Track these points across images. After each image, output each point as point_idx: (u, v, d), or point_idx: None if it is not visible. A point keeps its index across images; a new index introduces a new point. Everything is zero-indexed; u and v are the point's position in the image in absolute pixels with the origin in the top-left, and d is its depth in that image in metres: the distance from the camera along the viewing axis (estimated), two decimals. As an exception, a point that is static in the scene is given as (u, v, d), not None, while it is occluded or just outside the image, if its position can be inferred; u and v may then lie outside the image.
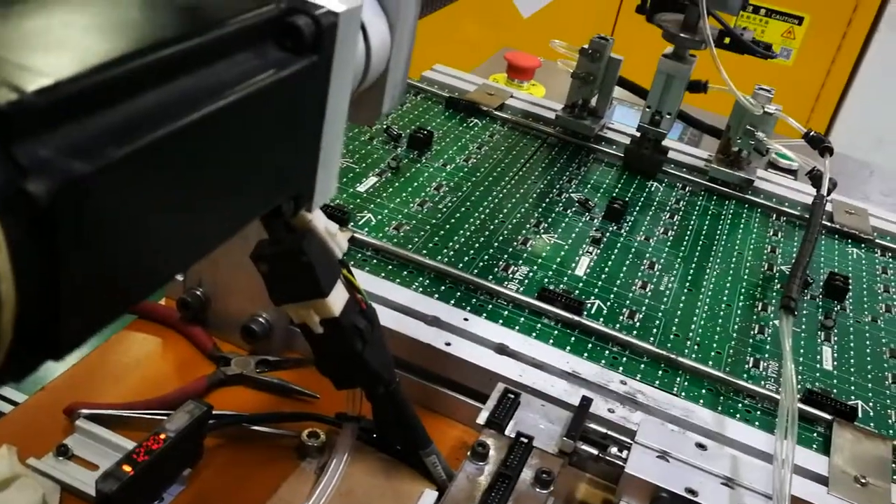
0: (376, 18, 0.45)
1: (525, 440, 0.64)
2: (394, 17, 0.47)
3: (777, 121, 1.06)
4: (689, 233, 1.02)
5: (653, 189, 1.09)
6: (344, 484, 0.65)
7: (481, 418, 0.65)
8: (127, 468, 0.58)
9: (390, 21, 0.46)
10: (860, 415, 0.77)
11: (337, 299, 0.60)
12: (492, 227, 0.94)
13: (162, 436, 0.61)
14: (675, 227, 1.02)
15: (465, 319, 0.77)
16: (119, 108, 0.27)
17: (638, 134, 1.10)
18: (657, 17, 1.04)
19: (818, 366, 0.83)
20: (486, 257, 0.88)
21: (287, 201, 0.39)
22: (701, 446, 0.67)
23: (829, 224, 1.09)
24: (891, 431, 0.76)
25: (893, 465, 0.71)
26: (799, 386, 0.79)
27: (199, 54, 0.31)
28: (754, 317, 0.88)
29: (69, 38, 0.28)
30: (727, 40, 1.02)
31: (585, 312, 0.82)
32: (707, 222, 1.05)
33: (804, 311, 0.91)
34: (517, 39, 1.80)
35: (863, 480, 0.68)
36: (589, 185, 1.07)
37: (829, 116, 2.79)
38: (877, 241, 1.07)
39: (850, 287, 0.96)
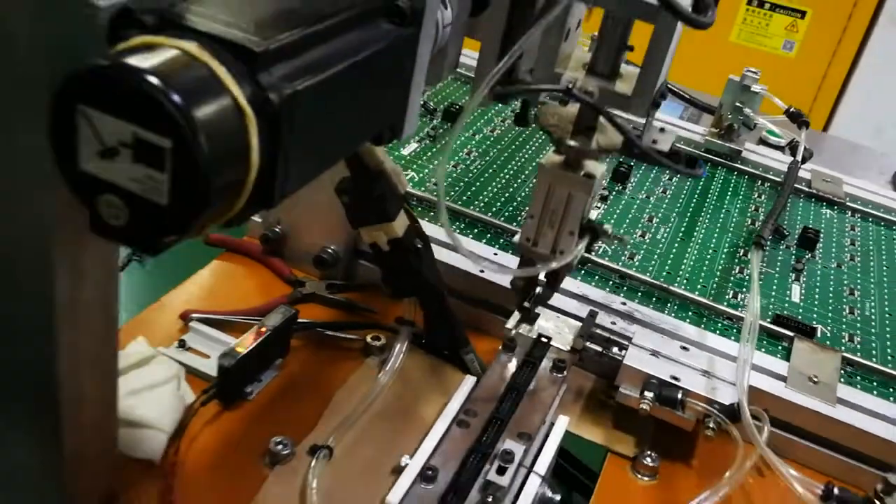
0: (445, 11, 0.62)
1: (545, 339, 0.81)
2: (453, 12, 0.63)
3: (763, 99, 1.23)
4: (684, 193, 1.18)
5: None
6: (400, 374, 0.82)
7: (511, 322, 0.83)
8: (240, 349, 0.75)
9: (452, 16, 0.63)
10: (819, 335, 0.94)
11: (400, 224, 0.77)
12: (515, 185, 1.11)
13: (263, 329, 0.78)
14: (673, 188, 1.19)
15: (495, 254, 0.94)
16: (308, 55, 0.44)
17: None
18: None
19: (787, 299, 1.00)
20: (511, 208, 1.05)
21: (387, 128, 0.56)
22: (684, 348, 0.84)
23: (806, 189, 1.25)
24: (843, 348, 0.92)
25: (841, 372, 0.88)
26: (770, 313, 0.96)
27: (346, 24, 0.48)
28: (736, 260, 1.05)
29: (270, 14, 0.45)
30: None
31: (593, 252, 0.99)
32: (700, 185, 1.21)
33: (779, 258, 1.08)
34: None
35: (815, 380, 0.85)
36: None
37: (831, 106, 2.94)
38: (847, 203, 1.24)
39: (821, 240, 1.12)
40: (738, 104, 1.23)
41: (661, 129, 0.73)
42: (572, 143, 0.66)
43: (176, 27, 0.41)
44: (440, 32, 0.61)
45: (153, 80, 0.38)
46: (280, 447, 0.71)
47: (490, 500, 0.64)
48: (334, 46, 0.47)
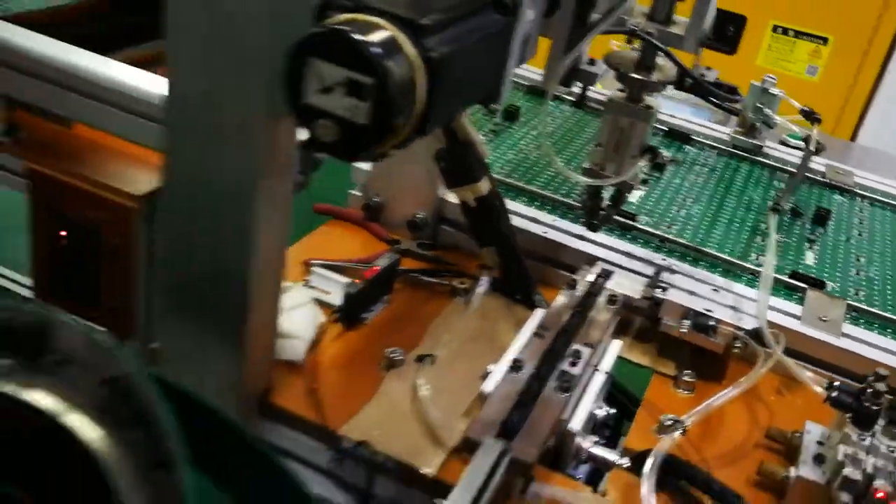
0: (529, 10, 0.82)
1: (602, 278, 1.00)
2: (535, 11, 0.83)
3: (780, 101, 1.41)
4: (713, 180, 1.37)
5: (690, 152, 1.45)
6: (481, 311, 1.01)
7: (590, 276, 1.01)
8: (359, 282, 0.95)
9: (534, 14, 0.83)
10: (828, 288, 1.11)
11: (485, 184, 0.97)
12: (571, 168, 1.30)
13: (375, 268, 0.98)
14: (703, 177, 1.37)
15: (554, 220, 1.14)
16: (451, 30, 0.64)
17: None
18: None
19: (802, 262, 1.18)
20: (566, 188, 1.24)
21: (489, 93, 0.76)
22: (715, 290, 1.03)
23: (821, 179, 1.43)
24: (849, 298, 1.10)
25: (846, 316, 1.05)
26: (787, 271, 1.13)
27: (471, 11, 0.68)
28: (758, 234, 1.23)
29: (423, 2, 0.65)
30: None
31: (637, 223, 1.18)
32: (728, 174, 1.40)
33: (795, 231, 1.26)
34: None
35: (824, 319, 1.03)
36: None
37: (853, 128, 3.10)
38: (856, 190, 1.42)
39: (832, 219, 1.30)
40: (758, 105, 1.42)
41: (708, 68, 0.92)
42: (636, 75, 0.85)
43: (367, 9, 0.62)
44: (527, 25, 0.81)
45: (362, 39, 0.58)
46: (394, 355, 0.90)
47: (565, 386, 0.82)
48: (465, 27, 0.67)
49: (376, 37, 0.59)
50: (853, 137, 3.07)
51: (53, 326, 0.63)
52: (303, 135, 0.62)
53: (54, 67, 1.21)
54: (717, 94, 0.90)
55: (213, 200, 0.73)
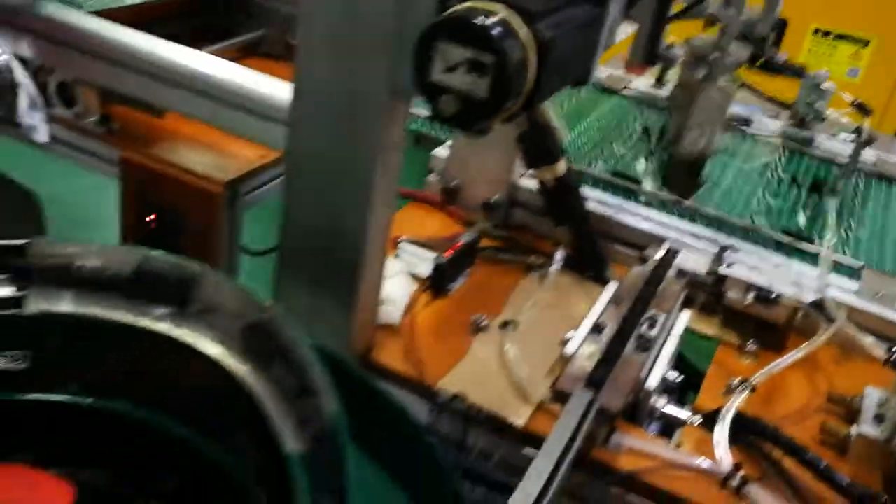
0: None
1: (670, 254, 1.07)
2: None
3: (832, 95, 1.48)
4: (768, 170, 1.44)
5: (745, 144, 1.52)
6: (556, 285, 1.09)
7: (658, 255, 1.08)
8: (446, 256, 1.03)
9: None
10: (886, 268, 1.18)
11: (562, 165, 1.04)
12: (622, 154, 1.37)
13: (459, 244, 1.06)
14: (759, 164, 1.44)
15: (621, 203, 1.21)
16: (555, 17, 0.72)
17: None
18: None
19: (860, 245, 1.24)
20: (632, 170, 1.31)
21: (581, 74, 0.83)
22: (776, 266, 1.09)
23: (873, 171, 1.49)
24: (901, 276, 1.17)
25: (903, 292, 1.12)
26: (846, 251, 1.20)
27: (570, 2, 0.76)
28: (813, 218, 1.29)
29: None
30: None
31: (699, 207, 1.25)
32: (781, 165, 1.46)
33: (853, 215, 1.32)
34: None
35: (880, 294, 1.09)
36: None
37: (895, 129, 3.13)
38: (905, 179, 1.48)
39: (885, 205, 1.36)
40: (810, 100, 1.48)
41: (775, 52, 1.00)
42: (714, 55, 0.94)
43: (484, -2, 0.70)
44: (614, 15, 0.89)
45: (483, 23, 0.66)
46: (480, 321, 0.98)
47: (643, 346, 0.90)
48: (565, 14, 0.75)
49: (495, 21, 0.67)
50: (896, 136, 3.10)
51: (200, 278, 0.72)
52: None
53: (152, 61, 1.31)
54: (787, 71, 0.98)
55: (336, 170, 0.81)
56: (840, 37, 3.09)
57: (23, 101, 1.45)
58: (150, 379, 0.72)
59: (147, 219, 1.45)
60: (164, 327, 0.71)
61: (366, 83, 0.76)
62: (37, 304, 0.71)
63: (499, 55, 0.66)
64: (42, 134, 1.49)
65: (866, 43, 3.07)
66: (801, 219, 1.28)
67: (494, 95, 0.67)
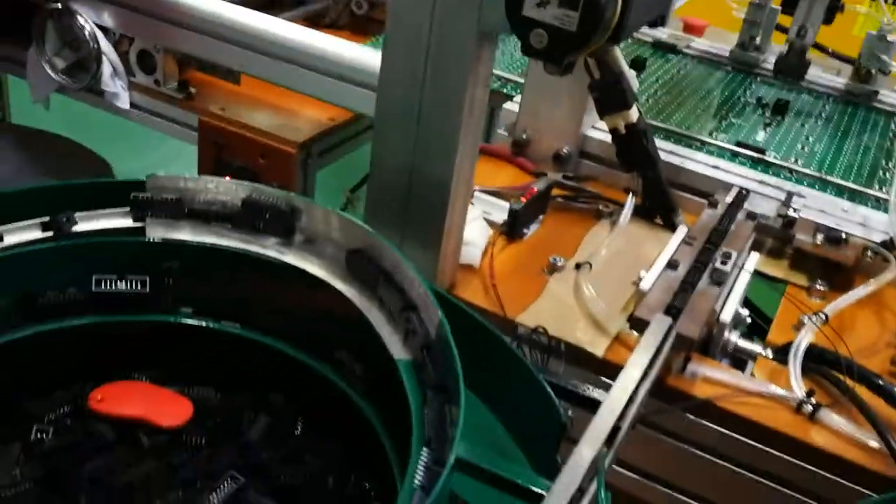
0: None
1: (740, 198, 1.10)
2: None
3: (897, 48, 1.48)
4: (832, 124, 1.45)
5: (806, 98, 1.53)
6: (626, 231, 1.12)
7: (729, 198, 1.11)
8: (520, 201, 1.07)
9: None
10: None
11: (634, 112, 1.07)
12: (699, 111, 1.40)
13: (534, 189, 1.10)
14: (822, 121, 1.45)
15: (691, 153, 1.24)
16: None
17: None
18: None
19: (923, 192, 1.26)
20: (697, 126, 1.34)
21: (659, 16, 0.87)
22: (844, 210, 1.12)
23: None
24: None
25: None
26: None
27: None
28: (879, 168, 1.31)
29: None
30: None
31: (771, 156, 1.27)
32: (845, 119, 1.48)
33: (913, 166, 1.34)
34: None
35: (948, 237, 1.11)
36: (758, 96, 1.51)
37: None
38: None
39: (949, 156, 1.37)
40: (875, 52, 1.49)
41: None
42: None
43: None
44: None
45: (573, -40, 0.70)
46: (556, 261, 1.02)
47: (718, 280, 0.93)
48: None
49: (583, -39, 0.71)
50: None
51: (304, 209, 0.77)
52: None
53: (229, 26, 1.37)
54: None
55: (425, 115, 0.85)
56: (898, 2, 3.05)
57: (106, 70, 1.52)
58: (261, 302, 0.77)
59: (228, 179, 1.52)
60: (273, 254, 0.77)
61: (456, 24, 0.80)
62: (156, 233, 0.77)
63: (589, -11, 0.69)
64: (124, 101, 1.56)
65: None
66: (871, 169, 1.30)
67: (583, 28, 0.71)
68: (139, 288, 0.77)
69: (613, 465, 0.96)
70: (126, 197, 0.77)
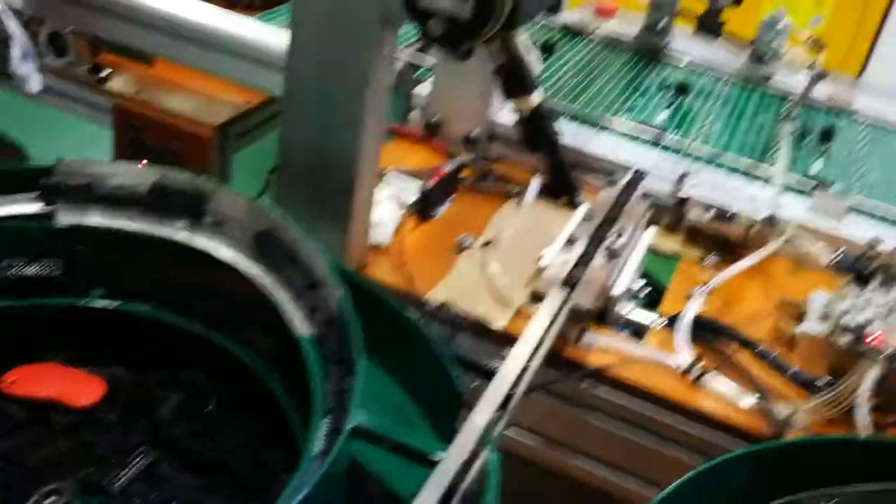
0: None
1: (636, 178, 1.16)
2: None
3: (789, 32, 1.57)
4: (729, 105, 1.53)
5: (706, 80, 1.61)
6: (532, 209, 1.18)
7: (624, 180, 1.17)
8: (432, 181, 1.11)
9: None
10: (832, 189, 1.28)
11: (537, 96, 1.12)
12: (604, 94, 1.46)
13: (444, 171, 1.14)
14: (722, 100, 1.53)
15: (593, 134, 1.30)
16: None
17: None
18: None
19: (810, 170, 1.34)
20: (602, 108, 1.40)
21: (556, 4, 0.91)
22: (734, 189, 1.19)
23: (825, 104, 1.59)
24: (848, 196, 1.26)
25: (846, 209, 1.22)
26: (798, 174, 1.30)
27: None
28: (770, 148, 1.39)
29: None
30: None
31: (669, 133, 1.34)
32: (741, 101, 1.56)
33: (804, 148, 1.42)
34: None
35: (828, 212, 1.19)
36: (661, 78, 1.58)
37: (856, 75, 3.23)
38: (856, 113, 1.57)
39: (836, 137, 1.46)
40: (768, 37, 1.57)
41: None
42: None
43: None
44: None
45: (465, -46, 0.74)
46: (465, 240, 1.07)
47: (612, 254, 0.99)
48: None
49: (473, -47, 0.75)
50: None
51: (213, 193, 0.80)
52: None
53: (142, 9, 1.37)
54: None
55: (331, 98, 0.89)
56: (805, -16, 3.16)
57: (15, 52, 1.50)
58: (171, 283, 0.80)
59: (140, 163, 1.52)
60: (183, 236, 0.79)
61: (358, 10, 0.83)
62: (66, 218, 0.78)
63: (479, -19, 0.74)
64: (35, 83, 1.54)
65: (829, -10, 3.14)
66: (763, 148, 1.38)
67: (477, 17, 0.75)
68: (50, 272, 0.79)
69: (518, 432, 1.03)
70: (35, 182, 0.78)
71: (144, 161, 1.54)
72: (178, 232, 0.80)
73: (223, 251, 0.78)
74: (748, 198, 1.18)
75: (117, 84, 1.53)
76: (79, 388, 0.79)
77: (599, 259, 1.00)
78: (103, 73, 1.53)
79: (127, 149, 1.55)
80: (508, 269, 1.04)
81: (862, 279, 0.97)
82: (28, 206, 0.79)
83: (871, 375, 0.89)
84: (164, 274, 0.80)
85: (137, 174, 0.81)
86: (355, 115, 0.88)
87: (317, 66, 0.88)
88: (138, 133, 1.53)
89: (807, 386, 0.95)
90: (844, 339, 0.93)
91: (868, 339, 0.92)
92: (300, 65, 0.90)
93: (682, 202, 1.17)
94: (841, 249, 1.02)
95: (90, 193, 0.79)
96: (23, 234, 0.77)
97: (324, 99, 0.89)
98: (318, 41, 0.87)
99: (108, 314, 0.81)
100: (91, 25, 1.45)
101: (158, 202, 0.80)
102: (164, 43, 1.39)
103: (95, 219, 0.79)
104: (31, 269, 0.78)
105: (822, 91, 1.61)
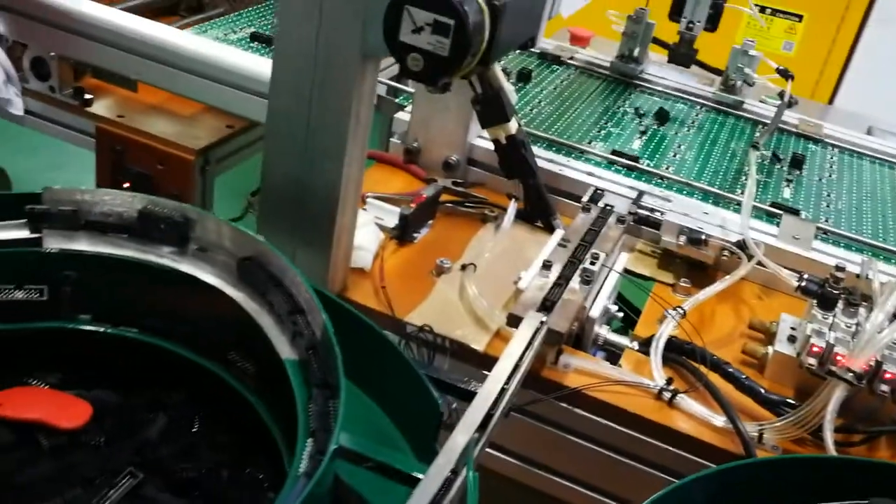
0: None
1: (609, 207, 1.19)
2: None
3: (759, 62, 1.61)
4: (703, 132, 1.57)
5: (680, 108, 1.65)
6: (509, 234, 1.20)
7: (586, 197, 1.20)
8: (411, 206, 1.14)
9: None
10: (802, 215, 1.32)
11: (514, 124, 1.15)
12: (580, 120, 1.49)
13: (423, 196, 1.17)
14: (695, 127, 1.57)
15: (568, 161, 1.33)
16: (506, -14, 0.83)
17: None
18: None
19: (780, 196, 1.38)
20: (578, 135, 1.43)
21: (529, 39, 0.94)
22: (706, 214, 1.22)
23: (795, 131, 1.63)
24: (817, 222, 1.30)
25: (815, 235, 1.25)
26: (768, 201, 1.33)
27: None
28: (742, 174, 1.43)
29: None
30: None
31: (642, 163, 1.38)
32: (714, 127, 1.60)
33: (774, 173, 1.46)
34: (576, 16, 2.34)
35: (797, 237, 1.23)
36: (636, 106, 1.62)
37: (827, 100, 3.30)
38: (826, 140, 1.62)
39: (806, 164, 1.50)
40: (739, 66, 1.61)
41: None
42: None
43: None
44: None
45: (444, -9, 0.77)
46: (443, 263, 1.10)
47: (587, 279, 1.02)
48: None
49: (455, -10, 0.78)
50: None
51: (198, 220, 0.82)
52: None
53: (125, 35, 1.39)
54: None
55: (314, 125, 0.91)
56: (776, 11, 3.24)
57: (-2, 76, 1.52)
58: (157, 307, 0.82)
59: (122, 185, 1.54)
60: (168, 262, 0.81)
61: (341, 45, 0.86)
62: (53, 243, 0.80)
63: (460, 18, 0.76)
64: (17, 107, 1.56)
65: (800, 18, 3.22)
66: (735, 174, 1.42)
67: (455, 53, 0.78)
68: (38, 296, 0.81)
69: (497, 452, 1.05)
70: (22, 209, 0.80)
71: (127, 184, 1.57)
72: (164, 258, 0.81)
73: (208, 276, 0.80)
74: (720, 223, 1.22)
75: (100, 108, 1.54)
76: (66, 411, 0.80)
77: (575, 282, 1.02)
78: (86, 97, 1.54)
79: (109, 171, 1.57)
80: (486, 292, 1.07)
81: (828, 303, 1.00)
82: (16, 233, 0.80)
83: (836, 396, 0.93)
84: (150, 298, 0.82)
85: (124, 201, 0.82)
86: (338, 145, 0.91)
87: (299, 95, 0.91)
88: (120, 156, 1.54)
89: (775, 406, 0.98)
90: (811, 361, 0.96)
91: (833, 361, 0.95)
92: (282, 95, 0.92)
93: (641, 221, 1.20)
94: (807, 274, 1.06)
95: (77, 220, 0.81)
96: (10, 260, 0.79)
97: (306, 129, 0.92)
98: (300, 74, 0.89)
99: (95, 338, 0.82)
100: (73, 51, 1.47)
101: (145, 229, 0.82)
102: (147, 68, 1.41)
103: (82, 245, 0.81)
104: (19, 294, 0.79)
105: (792, 117, 1.66)
